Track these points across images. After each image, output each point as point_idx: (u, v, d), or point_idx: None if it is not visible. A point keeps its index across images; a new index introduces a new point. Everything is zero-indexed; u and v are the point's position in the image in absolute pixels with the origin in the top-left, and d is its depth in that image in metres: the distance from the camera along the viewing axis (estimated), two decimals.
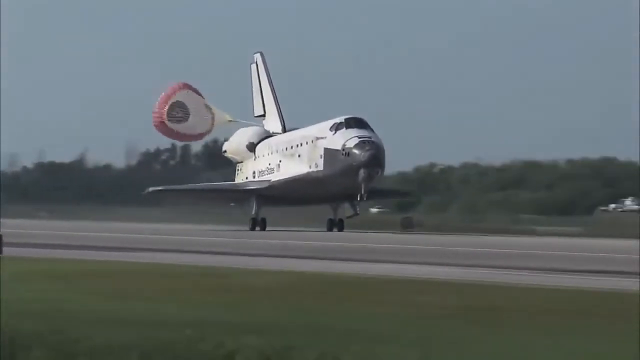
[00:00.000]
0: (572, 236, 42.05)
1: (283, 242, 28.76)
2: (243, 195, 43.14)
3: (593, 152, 64.33)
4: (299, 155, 41.19)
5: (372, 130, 39.26)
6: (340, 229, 41.59)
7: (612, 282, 12.93)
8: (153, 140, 67.51)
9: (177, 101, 45.64)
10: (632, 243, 31.99)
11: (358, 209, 40.50)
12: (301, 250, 22.91)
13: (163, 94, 46.04)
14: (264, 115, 47.30)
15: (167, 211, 55.03)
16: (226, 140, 48.09)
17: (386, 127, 56.94)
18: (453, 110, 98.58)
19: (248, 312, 8.85)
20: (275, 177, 42.06)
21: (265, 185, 42.12)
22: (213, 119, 45.85)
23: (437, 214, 55.19)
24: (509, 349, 6.46)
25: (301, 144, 41.56)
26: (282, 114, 46.60)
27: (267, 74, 47.54)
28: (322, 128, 40.39)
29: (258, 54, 48.24)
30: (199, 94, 46.51)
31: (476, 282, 12.38)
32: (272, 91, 47.21)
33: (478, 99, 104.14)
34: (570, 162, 62.37)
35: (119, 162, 68.86)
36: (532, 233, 42.73)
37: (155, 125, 45.77)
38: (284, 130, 45.54)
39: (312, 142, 40.42)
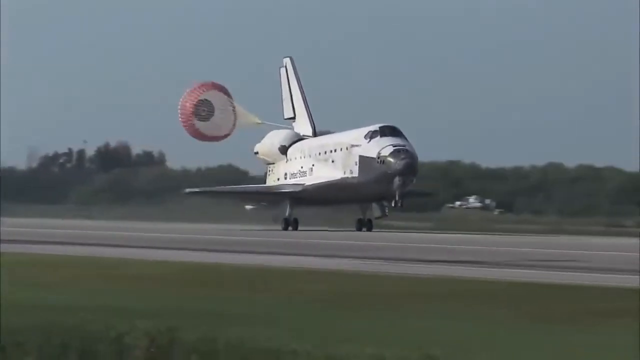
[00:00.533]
0: (423, 230, 43.61)
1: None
2: (278, 197, 42.53)
3: (441, 156, 67.85)
4: (333, 161, 40.71)
5: (405, 138, 38.72)
6: (369, 229, 40.87)
7: (457, 270, 14.13)
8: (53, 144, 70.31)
9: (204, 99, 44.49)
10: (475, 237, 35.10)
11: (387, 211, 39.90)
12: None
13: (189, 90, 44.74)
14: (294, 118, 46.25)
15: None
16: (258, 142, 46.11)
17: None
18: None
19: (136, 298, 9.43)
20: (308, 180, 41.50)
21: (299, 188, 41.30)
22: (235, 120, 44.88)
23: None
24: (364, 327, 7.22)
25: (335, 150, 41.00)
26: (312, 117, 45.81)
27: (296, 78, 46.50)
28: (357, 136, 39.74)
29: (287, 59, 47.08)
30: (228, 94, 45.50)
31: (355, 272, 13.35)
32: (302, 95, 46.18)
33: None
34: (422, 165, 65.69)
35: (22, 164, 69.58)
36: (391, 228, 44.19)
37: (182, 122, 44.49)
38: (314, 133, 44.80)
39: (347, 149, 39.88)
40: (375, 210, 40.68)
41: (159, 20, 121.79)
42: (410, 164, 37.36)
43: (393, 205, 37.98)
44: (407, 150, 37.74)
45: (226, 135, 45.60)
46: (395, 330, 7.19)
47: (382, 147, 37.81)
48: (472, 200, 61.12)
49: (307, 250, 20.77)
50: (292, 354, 5.54)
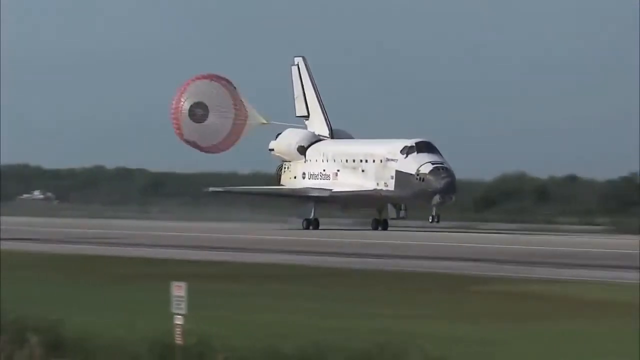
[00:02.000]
0: None
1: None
2: (304, 200, 43.43)
3: None
4: (363, 170, 41.57)
5: (440, 154, 39.88)
6: (385, 228, 42.11)
7: None
8: None
9: (199, 102, 42.44)
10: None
11: (402, 214, 41.20)
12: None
13: (179, 87, 42.46)
14: (307, 117, 46.04)
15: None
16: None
17: None
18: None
19: None
20: (335, 186, 42.56)
21: (327, 194, 42.36)
22: (235, 121, 43.34)
23: None
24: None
25: (366, 160, 41.72)
26: (328, 116, 45.93)
27: (310, 77, 46.14)
28: (392, 149, 40.53)
29: (300, 58, 46.57)
30: (231, 87, 43.87)
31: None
32: (316, 94, 46.00)
33: None
34: None
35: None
36: None
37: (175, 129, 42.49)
38: (331, 133, 45.17)
39: (381, 161, 40.68)
40: (390, 212, 41.82)
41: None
42: (450, 183, 38.70)
43: (430, 221, 38.92)
44: (446, 169, 39.02)
45: (226, 147, 44.48)
46: None
47: (420, 164, 38.93)
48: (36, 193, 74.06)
49: None
50: None
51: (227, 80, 44.07)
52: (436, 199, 38.27)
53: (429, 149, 40.08)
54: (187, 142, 42.94)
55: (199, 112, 42.37)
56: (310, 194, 43.19)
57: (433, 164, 38.99)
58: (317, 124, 45.86)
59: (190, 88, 42.44)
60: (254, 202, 50.59)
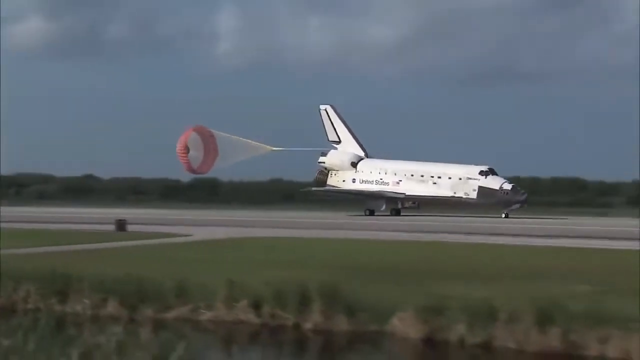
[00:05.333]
0: None
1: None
2: (380, 197, 57.88)
3: None
4: (435, 183, 56.62)
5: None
6: (398, 214, 57.45)
7: None
8: None
9: (188, 145, 58.19)
10: None
11: (417, 204, 58.66)
12: None
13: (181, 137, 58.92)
14: (338, 142, 61.33)
15: None
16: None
17: None
18: None
19: None
20: (406, 190, 57.55)
21: (402, 196, 57.80)
22: (207, 156, 58.64)
23: None
24: None
25: (440, 177, 56.67)
26: (362, 144, 61.40)
27: (341, 120, 61.84)
28: (469, 171, 55.73)
29: (327, 106, 62.00)
30: (207, 134, 58.98)
31: None
32: (348, 129, 61.66)
33: None
34: None
35: None
36: None
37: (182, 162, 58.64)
38: (367, 156, 60.46)
39: (462, 179, 55.65)
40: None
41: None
42: (527, 197, 55.55)
43: (504, 216, 53.89)
44: (520, 188, 56.07)
45: (206, 171, 60.59)
46: None
47: (500, 183, 55.02)
48: None
49: None
50: None
51: (206, 130, 59.80)
52: (516, 206, 54.86)
53: (494, 172, 56.07)
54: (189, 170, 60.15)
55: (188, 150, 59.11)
56: (389, 195, 58.24)
57: (510, 183, 55.76)
58: (351, 149, 61.36)
59: (182, 139, 58.92)
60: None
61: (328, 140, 62.05)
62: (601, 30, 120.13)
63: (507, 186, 55.04)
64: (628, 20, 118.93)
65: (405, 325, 13.76)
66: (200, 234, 32.29)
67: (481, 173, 55.73)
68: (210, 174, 64.78)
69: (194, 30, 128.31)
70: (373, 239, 30.84)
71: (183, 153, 57.71)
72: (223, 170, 64.85)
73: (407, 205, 59.01)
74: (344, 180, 60.04)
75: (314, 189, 60.44)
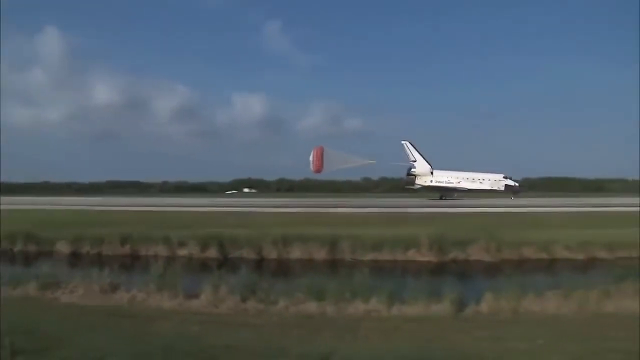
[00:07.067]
0: None
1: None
2: (453, 190, 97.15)
3: None
4: (481, 182, 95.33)
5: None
6: (440, 198, 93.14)
7: None
8: None
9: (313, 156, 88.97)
10: None
11: (456, 195, 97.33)
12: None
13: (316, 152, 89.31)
14: (415, 161, 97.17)
15: None
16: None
17: None
18: None
19: None
20: (467, 186, 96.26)
21: (466, 189, 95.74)
22: (320, 163, 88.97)
23: None
24: None
25: (483, 180, 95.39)
26: (430, 162, 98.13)
27: (414, 147, 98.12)
28: (497, 177, 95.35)
29: (406, 142, 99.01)
30: (321, 152, 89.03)
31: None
32: (420, 154, 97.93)
33: None
34: None
35: None
36: None
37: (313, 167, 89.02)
38: (432, 168, 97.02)
39: (496, 180, 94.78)
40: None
41: None
42: (524, 189, 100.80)
43: (512, 198, 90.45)
44: (521, 184, 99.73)
45: (318, 172, 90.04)
46: None
47: (514, 183, 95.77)
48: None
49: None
50: None
51: (321, 148, 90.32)
52: (520, 194, 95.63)
53: (508, 177, 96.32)
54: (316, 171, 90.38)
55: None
56: (460, 189, 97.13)
57: (517, 182, 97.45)
58: (423, 164, 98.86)
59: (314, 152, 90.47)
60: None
61: (409, 160, 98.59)
62: None
63: (516, 184, 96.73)
64: None
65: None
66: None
67: (504, 177, 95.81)
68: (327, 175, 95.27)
69: None
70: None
71: (315, 162, 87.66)
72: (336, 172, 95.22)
73: (457, 194, 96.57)
74: (425, 181, 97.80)
75: (407, 186, 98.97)
